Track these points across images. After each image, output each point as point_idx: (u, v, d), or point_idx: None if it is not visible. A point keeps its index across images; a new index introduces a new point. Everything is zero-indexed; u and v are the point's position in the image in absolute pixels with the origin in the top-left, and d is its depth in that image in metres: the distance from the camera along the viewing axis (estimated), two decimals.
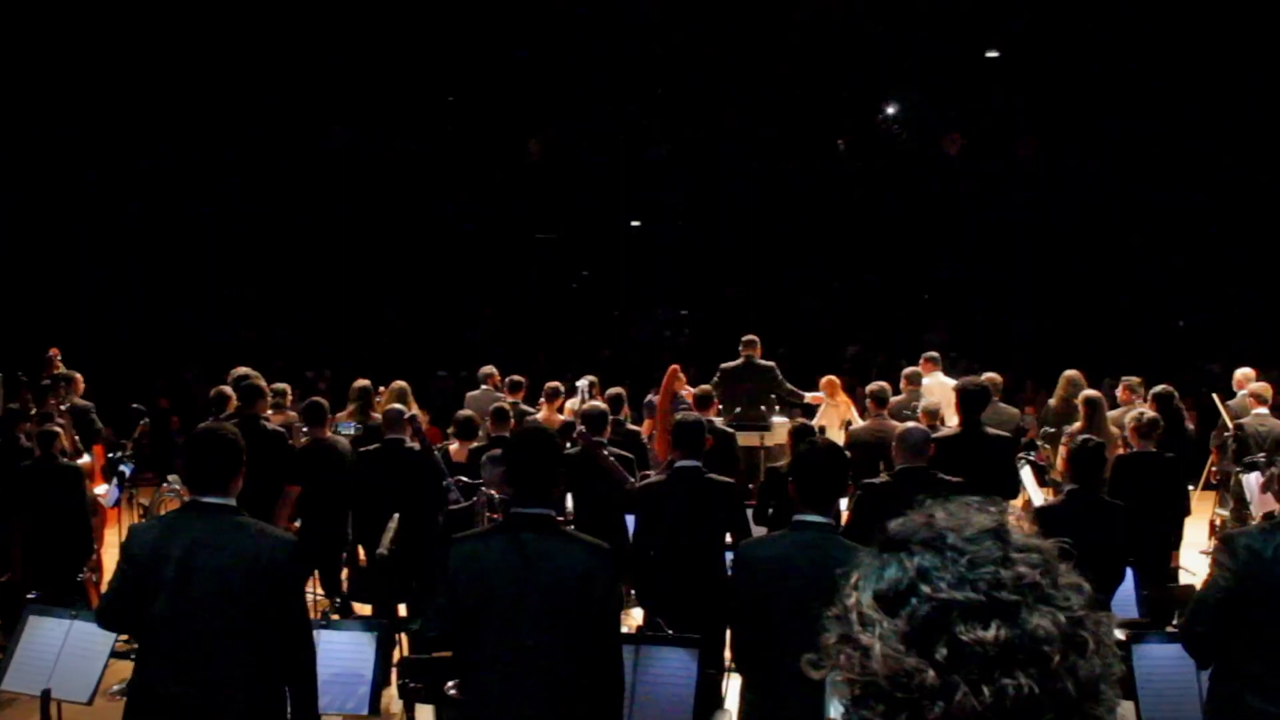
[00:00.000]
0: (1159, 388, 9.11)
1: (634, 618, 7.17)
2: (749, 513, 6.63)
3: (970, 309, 21.51)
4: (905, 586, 1.18)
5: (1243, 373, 10.68)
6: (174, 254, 19.81)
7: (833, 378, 11.16)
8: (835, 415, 10.81)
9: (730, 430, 8.67)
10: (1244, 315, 19.46)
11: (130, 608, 3.88)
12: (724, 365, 10.69)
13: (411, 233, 21.76)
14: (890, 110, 20.55)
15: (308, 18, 17.58)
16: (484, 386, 11.41)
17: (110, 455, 9.72)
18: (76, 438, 9.22)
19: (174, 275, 19.91)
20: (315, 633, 4.41)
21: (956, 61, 18.37)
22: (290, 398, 10.06)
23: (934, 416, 9.41)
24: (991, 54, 18.56)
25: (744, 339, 10.79)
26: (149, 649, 3.87)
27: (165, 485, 9.23)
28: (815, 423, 10.10)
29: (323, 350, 19.45)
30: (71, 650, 5.01)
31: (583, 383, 9.67)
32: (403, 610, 7.10)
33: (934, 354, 11.41)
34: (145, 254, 19.63)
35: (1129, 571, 5.86)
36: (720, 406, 9.54)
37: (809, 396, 10.98)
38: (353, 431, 8.68)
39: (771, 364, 10.79)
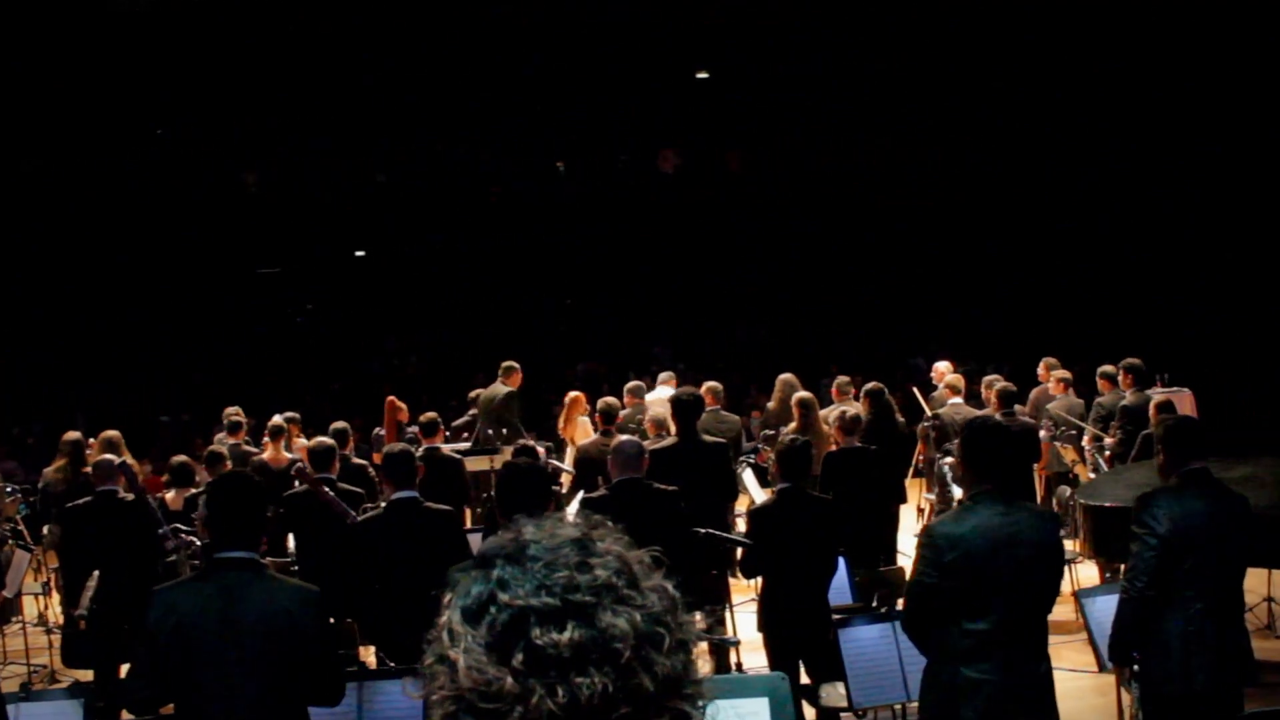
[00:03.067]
0: (870, 385, 9.52)
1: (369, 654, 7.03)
2: (477, 537, 6.61)
3: (695, 320, 22.14)
4: (486, 598, 1.21)
5: (942, 366, 11.42)
6: None
7: (577, 394, 11.28)
8: (578, 431, 10.93)
9: (457, 456, 8.63)
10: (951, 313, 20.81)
11: None
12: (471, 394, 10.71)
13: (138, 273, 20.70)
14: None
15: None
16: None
17: None
18: None
19: None
20: (12, 707, 4.14)
21: (670, 80, 18.85)
22: None
23: (661, 426, 9.64)
24: (702, 75, 19.12)
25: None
26: None
27: None
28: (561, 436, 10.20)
29: (39, 399, 18.28)
30: None
31: (279, 419, 9.39)
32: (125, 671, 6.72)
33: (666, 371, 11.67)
34: None
35: (841, 560, 6.17)
36: (447, 433, 9.50)
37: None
38: None
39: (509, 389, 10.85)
